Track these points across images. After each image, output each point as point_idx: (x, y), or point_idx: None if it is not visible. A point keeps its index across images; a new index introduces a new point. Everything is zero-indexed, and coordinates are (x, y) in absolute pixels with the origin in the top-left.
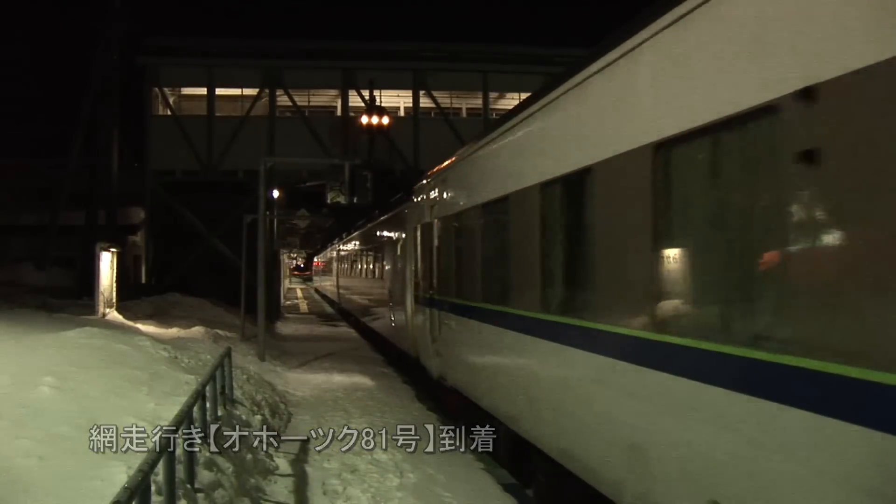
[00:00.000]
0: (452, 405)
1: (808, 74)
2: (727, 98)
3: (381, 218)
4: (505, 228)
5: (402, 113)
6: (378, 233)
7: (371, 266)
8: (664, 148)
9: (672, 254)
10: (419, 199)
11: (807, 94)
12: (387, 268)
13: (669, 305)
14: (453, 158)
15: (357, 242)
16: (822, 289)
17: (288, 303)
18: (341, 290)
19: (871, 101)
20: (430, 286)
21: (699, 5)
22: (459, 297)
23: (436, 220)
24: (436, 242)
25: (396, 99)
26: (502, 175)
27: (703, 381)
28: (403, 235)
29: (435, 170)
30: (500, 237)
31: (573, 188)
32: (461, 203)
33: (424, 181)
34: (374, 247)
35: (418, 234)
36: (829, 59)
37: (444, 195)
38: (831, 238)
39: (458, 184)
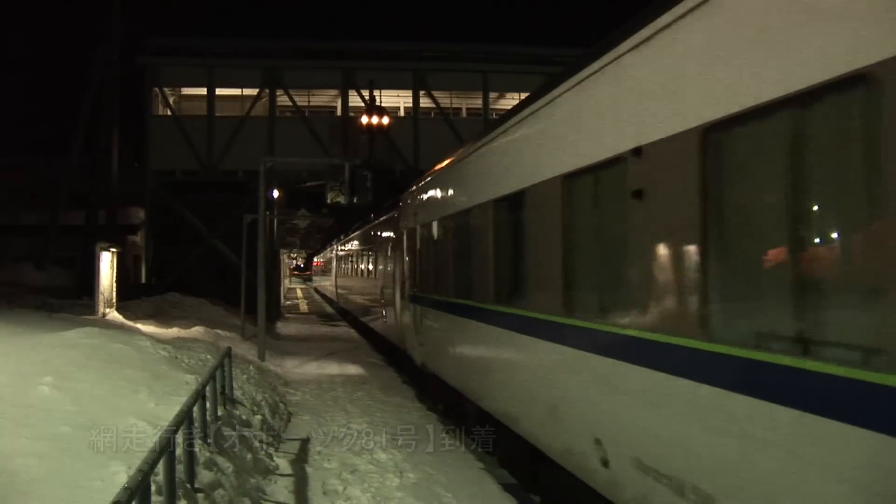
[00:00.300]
0: (435, 389)
1: (635, 140)
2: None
3: (374, 222)
4: (468, 235)
5: (402, 113)
6: (371, 236)
7: (366, 267)
8: (528, 193)
9: (551, 255)
10: (406, 205)
11: (636, 152)
12: (380, 268)
13: (558, 294)
14: (428, 174)
15: (353, 245)
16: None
17: (288, 303)
18: (339, 290)
19: (667, 159)
20: (414, 284)
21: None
22: (435, 294)
23: (418, 226)
24: (418, 246)
25: (396, 99)
26: (466, 191)
27: (588, 351)
28: (393, 238)
29: (418, 181)
30: (463, 243)
31: (510, 205)
32: (437, 212)
33: (411, 189)
34: (368, 249)
35: (405, 237)
36: (645, 131)
37: (424, 204)
38: (647, 246)
39: (433, 196)
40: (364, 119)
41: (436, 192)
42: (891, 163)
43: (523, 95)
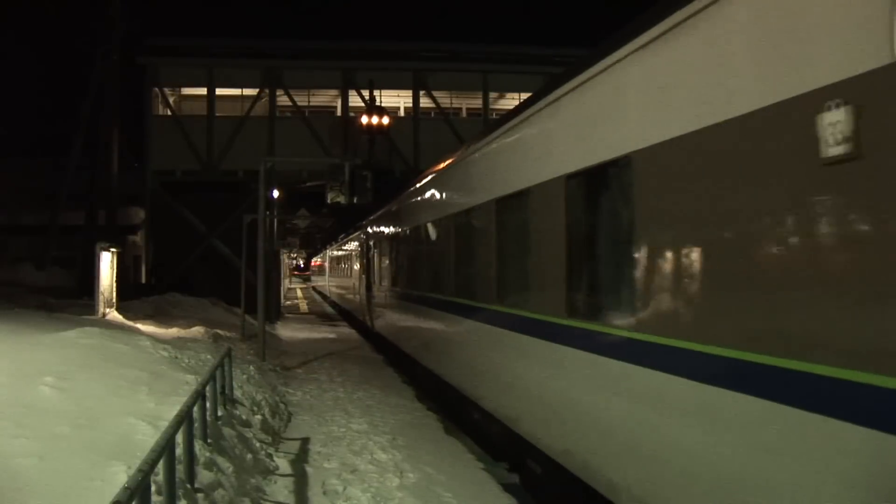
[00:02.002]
0: (381, 344)
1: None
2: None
3: (351, 236)
4: (395, 250)
5: (402, 113)
6: (351, 246)
7: (347, 268)
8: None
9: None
10: (367, 225)
11: (569, 176)
12: (355, 269)
13: (450, 279)
14: (379, 210)
15: (338, 252)
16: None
17: (288, 303)
18: (329, 286)
19: (547, 195)
20: (370, 280)
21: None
22: (379, 284)
23: (371, 241)
24: (373, 254)
25: (396, 99)
26: (392, 225)
27: (498, 326)
28: (361, 248)
29: (375, 212)
30: (385, 252)
31: (415, 232)
32: (380, 232)
33: (371, 217)
34: (348, 256)
35: (367, 248)
36: (531, 178)
37: (375, 227)
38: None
39: (374, 224)
40: (364, 119)
41: (375, 223)
42: (642, 215)
43: (523, 95)
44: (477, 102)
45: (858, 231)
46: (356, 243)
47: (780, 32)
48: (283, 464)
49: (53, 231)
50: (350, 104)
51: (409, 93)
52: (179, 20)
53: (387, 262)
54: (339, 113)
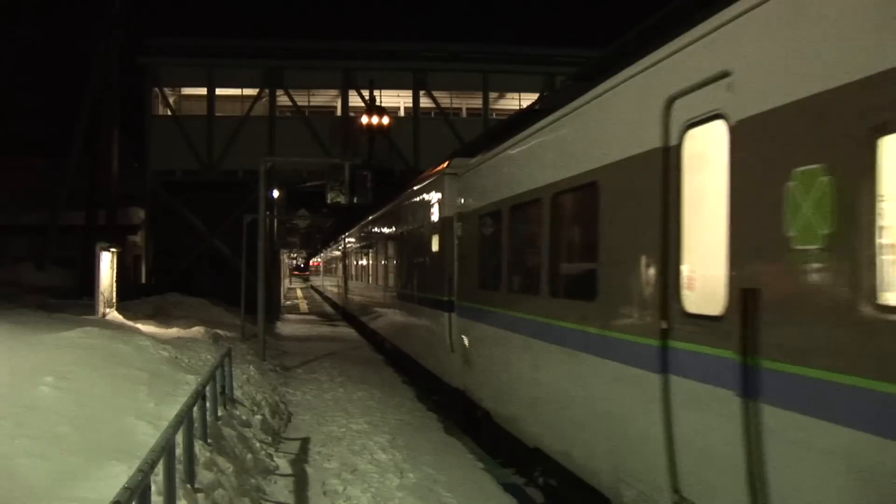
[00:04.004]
0: (352, 322)
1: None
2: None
3: (333, 247)
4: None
5: (402, 113)
6: (336, 253)
7: (333, 267)
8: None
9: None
10: (343, 241)
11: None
12: (337, 269)
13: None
14: (337, 241)
15: (326, 255)
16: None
17: (288, 303)
18: (320, 284)
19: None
20: (346, 276)
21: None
22: (352, 279)
23: (343, 252)
24: (348, 259)
25: (396, 99)
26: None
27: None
28: (340, 255)
29: (345, 236)
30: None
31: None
32: (352, 246)
33: (344, 240)
34: (334, 258)
35: (345, 255)
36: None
37: (349, 244)
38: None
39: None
40: (364, 119)
41: (344, 244)
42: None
43: (524, 95)
44: (477, 102)
45: None
46: (339, 251)
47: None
48: (283, 464)
49: (53, 231)
50: (350, 104)
51: (409, 93)
52: (179, 20)
53: (357, 261)
54: (339, 113)
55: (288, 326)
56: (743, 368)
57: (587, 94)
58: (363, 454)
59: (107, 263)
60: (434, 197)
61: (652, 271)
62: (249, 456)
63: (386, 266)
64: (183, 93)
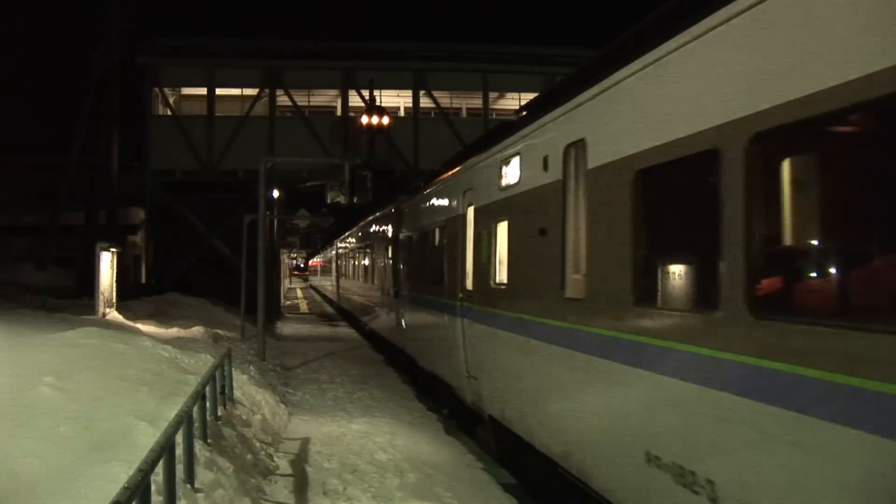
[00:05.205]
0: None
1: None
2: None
3: (321, 253)
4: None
5: (402, 113)
6: (326, 257)
7: (328, 269)
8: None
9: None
10: (332, 247)
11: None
12: (331, 270)
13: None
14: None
15: (321, 258)
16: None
17: (288, 303)
18: (316, 281)
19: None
20: (339, 276)
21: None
22: (341, 277)
23: (334, 258)
24: (339, 262)
25: (396, 99)
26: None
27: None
28: (331, 258)
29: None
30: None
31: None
32: (342, 254)
33: (334, 248)
34: (327, 261)
35: (336, 258)
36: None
37: (339, 249)
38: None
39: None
40: (364, 119)
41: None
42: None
43: (524, 95)
44: (477, 102)
45: None
46: (329, 255)
47: None
48: (283, 464)
49: (53, 231)
50: (350, 104)
51: (409, 93)
52: (179, 20)
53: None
54: (339, 113)
55: (288, 326)
56: (464, 309)
57: (488, 152)
58: (363, 454)
59: (107, 263)
60: (389, 220)
61: (457, 273)
62: (249, 456)
63: (361, 269)
64: (183, 93)
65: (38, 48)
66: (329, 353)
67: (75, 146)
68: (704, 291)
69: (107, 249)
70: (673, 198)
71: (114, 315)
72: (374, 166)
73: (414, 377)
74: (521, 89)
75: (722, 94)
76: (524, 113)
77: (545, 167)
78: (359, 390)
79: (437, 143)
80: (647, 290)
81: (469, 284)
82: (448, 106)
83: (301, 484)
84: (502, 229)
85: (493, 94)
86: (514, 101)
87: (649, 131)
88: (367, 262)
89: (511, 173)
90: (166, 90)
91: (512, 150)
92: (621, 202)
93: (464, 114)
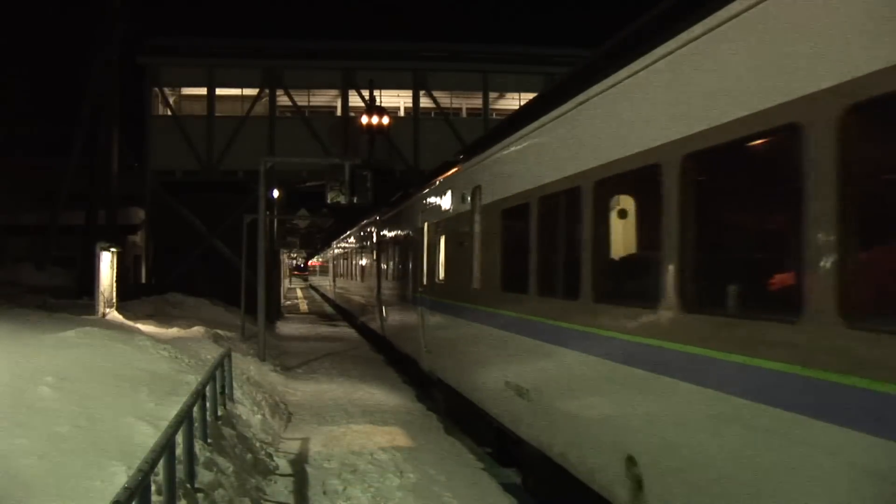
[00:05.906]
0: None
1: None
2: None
3: (321, 253)
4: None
5: (402, 113)
6: (325, 257)
7: (327, 269)
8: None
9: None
10: (328, 250)
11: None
12: (329, 270)
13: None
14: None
15: (321, 258)
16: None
17: (288, 303)
18: (316, 281)
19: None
20: (335, 276)
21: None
22: (336, 277)
23: (330, 259)
24: (334, 263)
25: (396, 99)
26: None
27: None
28: (328, 259)
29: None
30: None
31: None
32: (337, 256)
33: (331, 249)
34: (326, 261)
35: (333, 259)
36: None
37: (334, 252)
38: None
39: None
40: (364, 119)
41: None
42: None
43: (524, 95)
44: (477, 102)
45: None
46: (325, 257)
47: None
48: (283, 464)
49: (53, 231)
50: (350, 104)
51: (409, 93)
52: (179, 20)
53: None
54: (339, 113)
55: (288, 326)
56: (421, 299)
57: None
58: (363, 454)
59: (107, 263)
60: (372, 228)
61: (417, 272)
62: (249, 456)
63: (352, 269)
64: (183, 93)
65: (39, 48)
66: (329, 353)
67: (75, 146)
68: (555, 281)
69: (107, 249)
70: (522, 228)
71: (114, 315)
72: (374, 166)
73: (393, 359)
74: (520, 89)
75: (535, 172)
76: (462, 156)
77: (463, 200)
78: (359, 390)
79: (437, 143)
80: (510, 281)
81: (424, 280)
82: (448, 106)
83: (301, 484)
84: (443, 241)
85: (492, 94)
86: (514, 101)
87: (506, 186)
88: (356, 262)
89: (447, 201)
90: (166, 90)
91: (449, 185)
92: (495, 228)
93: (464, 114)
